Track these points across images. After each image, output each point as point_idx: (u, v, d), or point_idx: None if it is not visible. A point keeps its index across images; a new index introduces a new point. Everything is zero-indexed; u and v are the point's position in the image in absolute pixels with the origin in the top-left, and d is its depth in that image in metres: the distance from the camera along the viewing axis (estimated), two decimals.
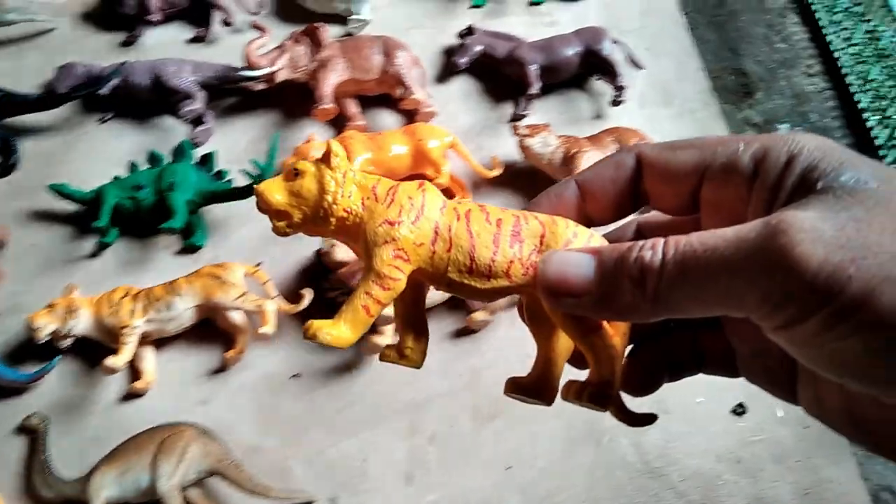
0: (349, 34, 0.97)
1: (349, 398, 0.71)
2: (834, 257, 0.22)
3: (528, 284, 0.29)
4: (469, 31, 0.95)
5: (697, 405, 0.73)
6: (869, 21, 0.89)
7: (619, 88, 0.90)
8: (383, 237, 0.29)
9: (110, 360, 0.65)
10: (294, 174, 0.30)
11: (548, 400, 0.32)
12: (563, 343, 0.32)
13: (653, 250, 0.25)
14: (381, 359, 0.31)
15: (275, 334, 0.71)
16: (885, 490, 0.71)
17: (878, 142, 0.92)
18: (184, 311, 0.70)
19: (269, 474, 0.64)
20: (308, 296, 0.72)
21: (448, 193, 0.84)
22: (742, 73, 1.00)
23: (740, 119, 0.95)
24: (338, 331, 0.28)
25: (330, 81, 0.84)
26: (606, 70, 0.91)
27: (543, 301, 0.29)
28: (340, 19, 0.98)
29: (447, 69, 0.96)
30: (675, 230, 0.27)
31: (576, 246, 0.29)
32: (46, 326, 0.67)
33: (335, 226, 0.30)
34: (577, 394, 0.30)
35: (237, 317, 0.71)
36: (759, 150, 0.27)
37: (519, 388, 0.32)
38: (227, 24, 0.96)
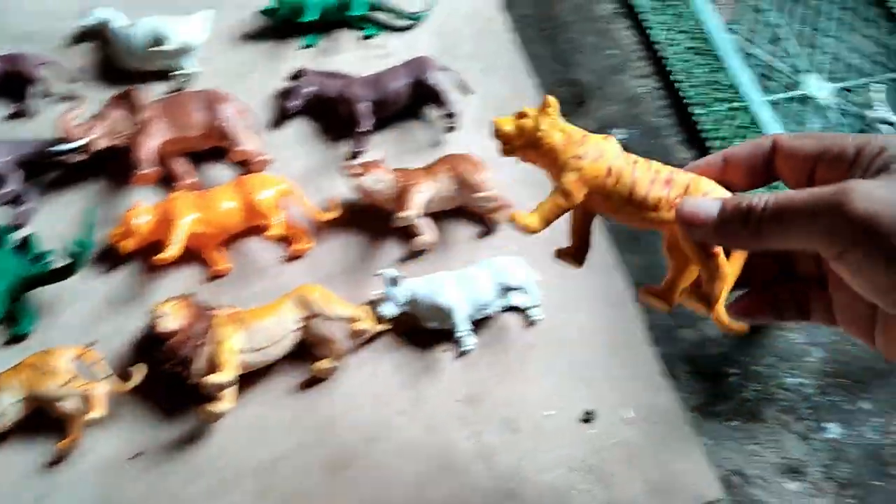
0: (178, 89, 0.97)
1: (195, 471, 0.71)
2: (877, 208, 0.31)
3: (670, 220, 0.40)
4: (299, 74, 0.96)
5: (546, 419, 0.76)
6: (682, 17, 0.94)
7: (450, 115, 0.93)
8: (571, 166, 0.42)
9: None
10: (520, 115, 0.44)
11: (670, 304, 0.43)
12: (690, 272, 0.42)
13: (759, 198, 0.35)
14: (557, 256, 0.46)
15: (112, 414, 0.71)
16: (735, 474, 0.75)
17: (703, 134, 0.98)
18: (9, 406, 0.69)
19: None
20: (140, 372, 0.72)
21: (289, 240, 0.85)
22: (575, 83, 1.05)
23: None
24: (529, 220, 0.43)
25: (148, 145, 0.84)
26: (435, 99, 0.94)
27: (679, 229, 0.39)
28: (167, 75, 0.98)
29: (281, 114, 0.97)
30: None
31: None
32: None
33: (541, 152, 0.43)
34: (689, 294, 0.42)
35: (68, 404, 0.70)
36: (862, 142, 0.36)
37: (650, 293, 0.44)
38: (46, 95, 0.95)
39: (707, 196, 0.40)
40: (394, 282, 0.78)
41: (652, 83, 1.05)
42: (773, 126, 0.76)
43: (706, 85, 0.93)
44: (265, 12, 1.04)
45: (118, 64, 0.99)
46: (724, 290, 0.40)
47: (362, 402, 0.76)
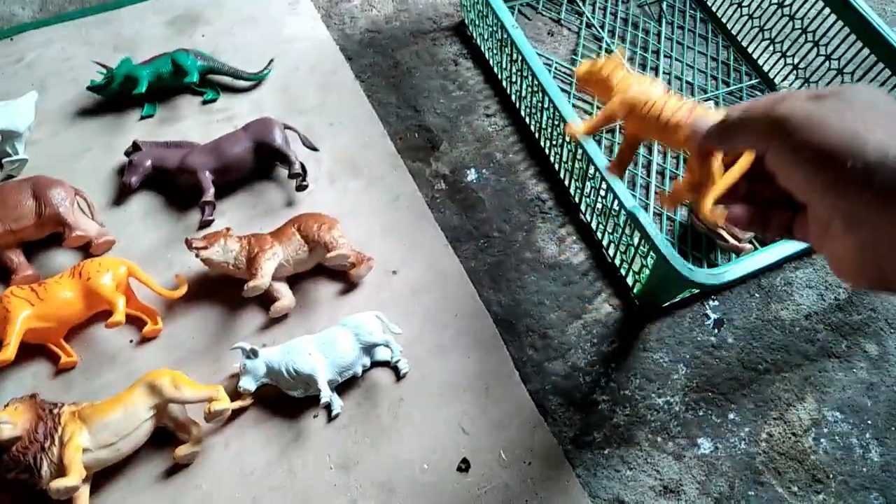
0: (10, 176, 0.93)
1: None
2: (794, 111, 0.37)
3: (683, 136, 0.49)
4: (135, 147, 0.94)
5: (423, 473, 0.75)
6: (513, 55, 0.96)
7: (297, 175, 0.92)
8: (619, 95, 0.53)
9: None
10: (593, 63, 0.56)
11: (674, 204, 0.52)
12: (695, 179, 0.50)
13: (732, 110, 0.42)
14: (608, 170, 0.58)
15: None
16: (614, 501, 0.76)
17: (556, 167, 1.00)
18: None
19: None
20: None
21: (139, 322, 0.82)
22: (425, 128, 1.06)
23: (430, 173, 1.00)
24: (578, 128, 0.57)
25: None
26: (281, 159, 0.93)
27: (690, 137, 0.48)
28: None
29: (122, 190, 0.94)
30: None
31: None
32: None
33: (601, 87, 0.55)
34: (689, 188, 0.49)
35: None
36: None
37: (664, 198, 0.52)
38: None
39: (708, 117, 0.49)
40: (251, 354, 0.76)
41: (500, 121, 1.08)
42: (599, 154, 0.79)
43: (546, 119, 0.96)
44: (93, 88, 1.01)
45: None
46: (714, 189, 0.48)
47: (231, 483, 0.74)
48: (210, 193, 0.90)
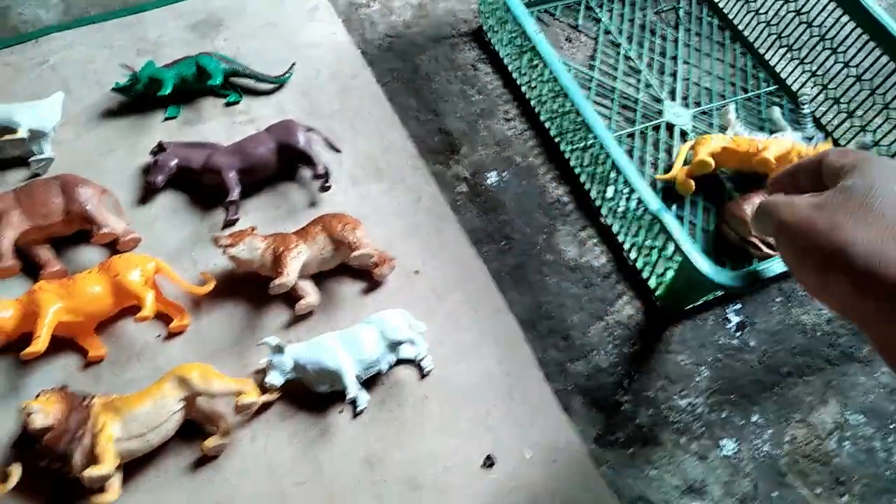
0: (36, 175, 0.95)
1: None
2: (792, 219, 0.46)
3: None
4: (160, 148, 0.96)
5: (447, 470, 0.77)
6: (534, 61, 0.99)
7: (321, 176, 0.94)
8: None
9: None
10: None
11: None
12: None
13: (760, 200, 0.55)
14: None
15: None
16: (639, 500, 0.78)
17: (576, 170, 1.02)
18: None
19: None
20: (16, 472, 0.70)
21: (166, 318, 0.84)
22: (445, 132, 1.08)
23: (451, 176, 1.02)
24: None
25: (3, 238, 0.83)
26: (304, 160, 0.95)
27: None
28: (23, 162, 0.96)
29: (147, 190, 0.96)
30: None
31: None
32: None
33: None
34: None
35: None
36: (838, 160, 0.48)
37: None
38: None
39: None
40: (278, 350, 0.78)
41: (520, 125, 1.10)
42: (623, 157, 0.81)
43: (567, 123, 0.98)
44: (118, 90, 1.03)
45: None
46: None
47: (258, 477, 0.75)
48: (236, 193, 0.92)
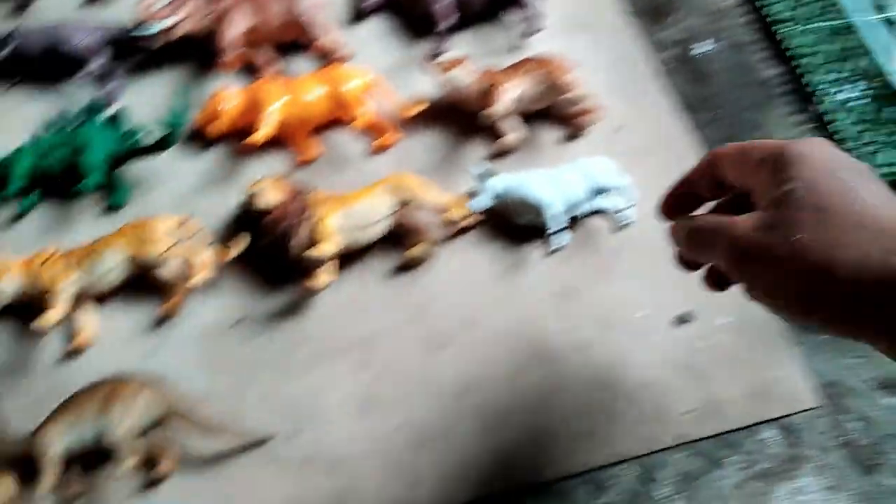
0: None
1: (294, 339, 0.74)
2: (738, 249, 0.43)
3: None
4: None
5: (640, 319, 0.77)
6: None
7: (530, 19, 0.93)
8: None
9: (40, 320, 0.66)
10: None
11: None
12: None
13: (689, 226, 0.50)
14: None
15: (214, 282, 0.73)
16: (830, 385, 0.76)
17: (789, 52, 0.98)
18: (112, 268, 0.71)
19: (226, 415, 0.66)
20: (243, 241, 0.74)
21: (377, 133, 0.86)
22: None
23: (660, 39, 0.99)
24: None
25: (231, 32, 0.85)
26: (516, 1, 0.94)
27: None
28: None
29: (358, 12, 0.97)
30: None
31: None
32: None
33: None
34: None
35: (169, 269, 0.73)
36: (764, 157, 0.43)
37: None
38: None
39: None
40: (486, 176, 0.79)
41: None
42: (884, 51, 0.75)
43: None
44: None
45: None
46: None
47: (455, 289, 0.77)
48: (446, 23, 0.91)
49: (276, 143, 0.83)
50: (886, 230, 0.36)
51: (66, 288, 0.69)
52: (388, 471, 0.67)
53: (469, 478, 0.68)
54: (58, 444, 0.62)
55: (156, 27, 0.85)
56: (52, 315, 0.67)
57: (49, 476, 0.61)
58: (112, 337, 0.73)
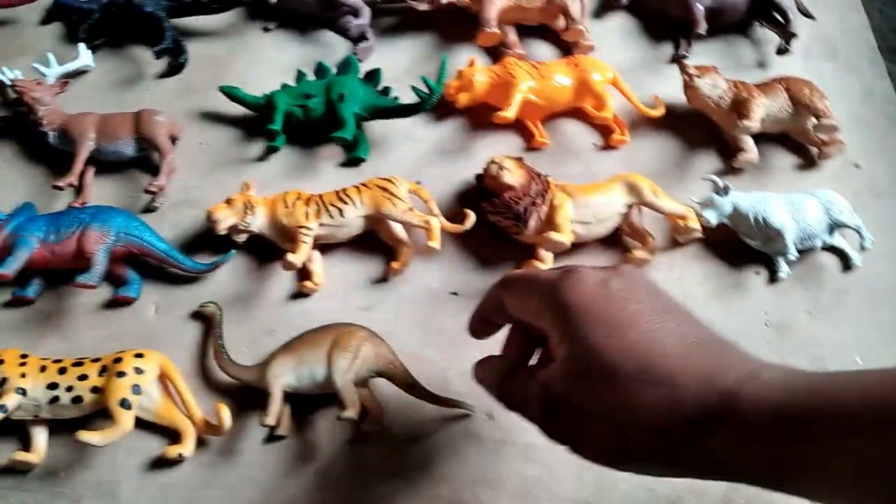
0: None
1: None
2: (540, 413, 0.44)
3: None
4: None
5: (857, 366, 0.74)
6: None
7: (789, 36, 0.90)
8: None
9: (291, 257, 0.69)
10: None
11: None
12: None
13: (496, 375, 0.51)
14: None
15: (435, 252, 0.74)
16: None
17: None
18: (354, 219, 0.74)
19: (429, 383, 0.68)
20: (471, 217, 0.75)
21: (607, 130, 0.86)
22: None
23: None
24: None
25: (496, 5, 0.87)
26: (777, 16, 0.91)
27: None
28: None
29: (606, 4, 0.97)
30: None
31: None
32: (226, 219, 0.72)
33: None
34: None
35: (401, 230, 0.75)
36: (540, 299, 0.44)
37: None
38: None
39: None
40: (722, 190, 0.77)
41: None
42: None
43: None
44: None
45: None
46: None
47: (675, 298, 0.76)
48: (702, 27, 0.90)
49: (509, 124, 0.84)
50: (671, 380, 0.37)
51: (310, 231, 0.72)
52: (584, 469, 0.67)
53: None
54: (284, 379, 0.64)
55: None
56: (299, 255, 0.69)
57: (274, 408, 0.63)
58: (335, 286, 0.76)
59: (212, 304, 0.71)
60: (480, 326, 0.54)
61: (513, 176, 0.74)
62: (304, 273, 0.75)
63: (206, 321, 0.72)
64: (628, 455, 0.39)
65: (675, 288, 0.77)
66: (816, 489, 0.34)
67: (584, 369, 0.39)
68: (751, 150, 0.83)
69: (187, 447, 0.64)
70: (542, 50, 0.94)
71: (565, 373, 0.41)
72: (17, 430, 0.66)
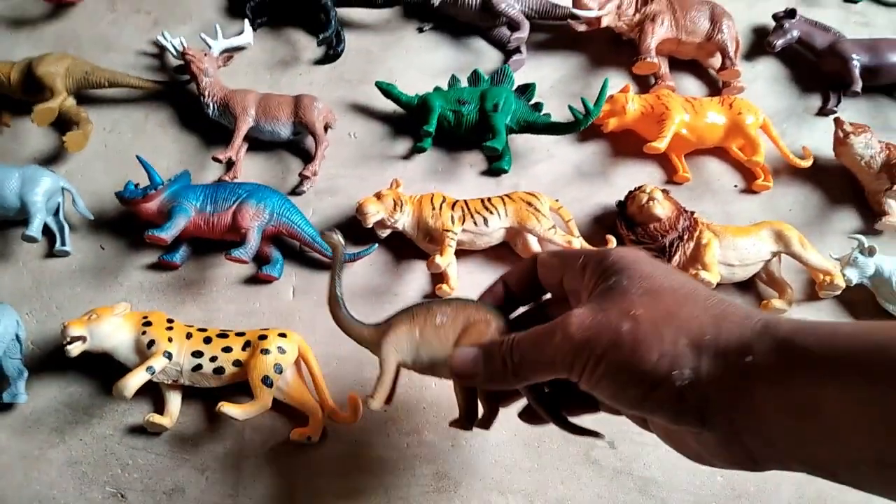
0: None
1: None
2: (589, 334, 0.38)
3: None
4: (789, 14, 0.93)
5: None
6: None
7: None
8: None
9: (438, 259, 0.68)
10: None
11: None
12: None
13: (507, 344, 0.44)
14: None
15: None
16: None
17: None
18: (496, 229, 0.73)
19: None
20: (612, 243, 0.74)
21: (751, 174, 0.84)
22: None
23: None
24: None
25: (656, 36, 0.85)
26: None
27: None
28: None
29: (757, 48, 0.95)
30: (562, 305, 0.47)
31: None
32: (377, 214, 0.71)
33: None
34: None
35: (536, 244, 0.74)
36: (586, 260, 0.44)
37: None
38: None
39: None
40: (868, 251, 0.74)
41: None
42: None
43: None
44: None
45: None
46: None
47: None
48: (858, 85, 0.87)
49: (652, 155, 0.82)
50: (711, 302, 0.38)
51: (455, 235, 0.71)
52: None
53: None
54: (400, 355, 0.53)
55: (588, 13, 0.87)
56: (444, 258, 0.69)
57: (385, 386, 0.53)
58: (466, 293, 0.73)
59: (338, 233, 0.55)
60: (489, 292, 0.53)
61: (662, 208, 0.72)
62: (440, 275, 0.74)
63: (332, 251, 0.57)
64: (675, 364, 0.36)
65: None
66: (813, 431, 0.33)
67: (627, 289, 0.39)
68: (895, 214, 0.80)
69: (316, 432, 0.64)
70: (688, 84, 0.92)
71: (610, 294, 0.40)
72: (152, 392, 0.66)
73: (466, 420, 0.53)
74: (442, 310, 0.53)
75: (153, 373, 0.62)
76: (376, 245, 0.75)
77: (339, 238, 0.55)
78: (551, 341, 0.40)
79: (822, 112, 0.89)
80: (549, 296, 0.53)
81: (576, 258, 0.45)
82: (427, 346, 0.53)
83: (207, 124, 0.84)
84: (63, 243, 0.75)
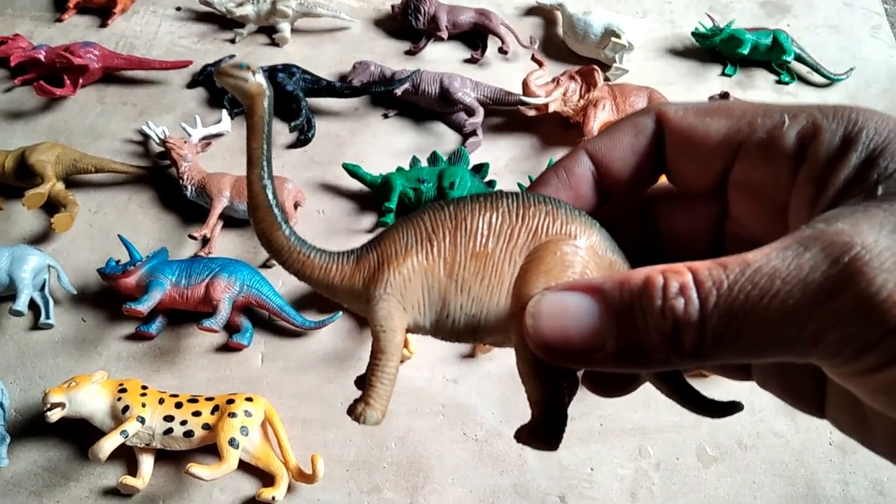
0: (606, 79, 1.02)
1: (583, 408, 0.74)
2: None
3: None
4: (723, 97, 0.98)
5: None
6: None
7: None
8: None
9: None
10: None
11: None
12: None
13: (685, 298, 0.20)
14: None
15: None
16: None
17: None
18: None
19: (504, 461, 0.68)
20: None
21: None
22: None
23: None
24: None
25: (599, 119, 0.90)
26: None
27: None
28: (600, 64, 1.03)
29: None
30: (692, 209, 0.26)
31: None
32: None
33: None
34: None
35: None
36: (809, 127, 0.23)
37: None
38: (502, 51, 1.03)
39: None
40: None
41: None
42: None
43: None
44: (698, 35, 1.07)
45: (568, 43, 1.06)
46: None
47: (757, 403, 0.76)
48: None
49: None
50: None
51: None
52: None
53: None
54: (413, 317, 0.28)
55: (536, 100, 0.91)
56: None
57: (388, 369, 0.30)
58: (427, 357, 0.77)
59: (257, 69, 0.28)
60: (557, 183, 0.28)
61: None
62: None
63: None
64: None
65: (752, 391, 0.76)
66: None
67: None
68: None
69: (280, 491, 0.65)
70: None
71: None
72: (126, 455, 0.67)
73: (548, 425, 0.28)
74: (484, 215, 0.28)
75: (127, 436, 0.63)
76: (339, 313, 0.77)
77: (258, 77, 0.27)
78: (828, 304, 0.19)
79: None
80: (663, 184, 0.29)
81: (768, 119, 0.24)
82: (464, 292, 0.28)
83: (186, 205, 0.87)
84: (47, 316, 0.77)
